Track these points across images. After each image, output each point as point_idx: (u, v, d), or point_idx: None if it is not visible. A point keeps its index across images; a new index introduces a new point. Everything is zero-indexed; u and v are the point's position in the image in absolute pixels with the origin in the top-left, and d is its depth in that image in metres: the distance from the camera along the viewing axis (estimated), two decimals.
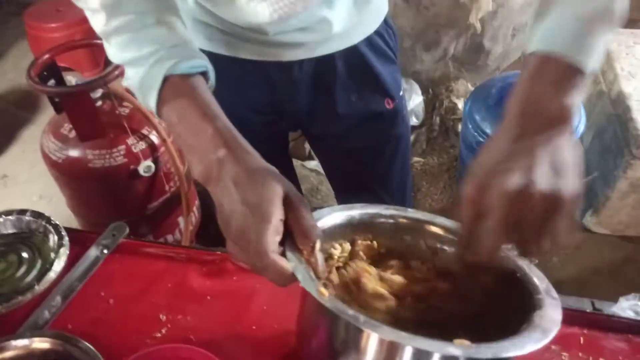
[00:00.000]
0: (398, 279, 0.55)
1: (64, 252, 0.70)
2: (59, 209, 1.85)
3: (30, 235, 0.74)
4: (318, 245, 0.50)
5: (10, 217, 0.75)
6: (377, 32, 0.84)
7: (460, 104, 2.05)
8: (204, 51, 0.60)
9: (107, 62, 1.48)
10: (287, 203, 0.49)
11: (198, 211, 1.75)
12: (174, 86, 0.55)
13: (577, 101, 0.49)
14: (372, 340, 0.45)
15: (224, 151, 0.51)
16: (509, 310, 0.52)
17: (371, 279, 0.54)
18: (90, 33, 2.27)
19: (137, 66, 0.56)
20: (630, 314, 0.84)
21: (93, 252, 0.72)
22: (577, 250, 1.75)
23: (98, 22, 0.58)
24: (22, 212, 0.75)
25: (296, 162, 1.98)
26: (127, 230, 0.74)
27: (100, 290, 0.69)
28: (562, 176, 0.45)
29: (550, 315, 0.47)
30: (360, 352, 0.45)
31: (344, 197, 1.01)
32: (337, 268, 0.56)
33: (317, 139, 0.96)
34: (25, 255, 0.72)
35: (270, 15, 0.68)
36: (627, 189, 1.54)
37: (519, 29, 2.17)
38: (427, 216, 0.61)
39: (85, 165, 1.41)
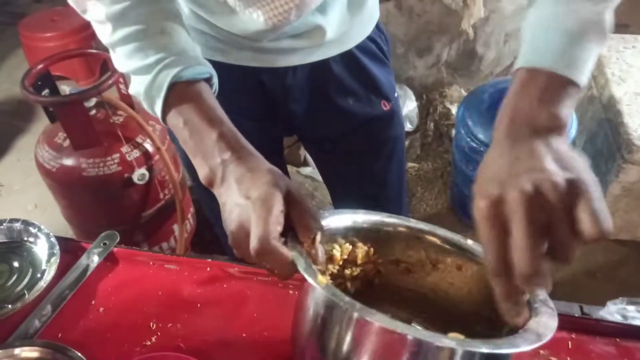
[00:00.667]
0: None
1: (55, 261, 0.70)
2: (54, 218, 1.85)
3: (21, 244, 0.74)
4: (319, 237, 0.51)
5: (1, 227, 0.75)
6: (370, 38, 0.85)
7: (453, 110, 2.07)
8: None
9: (102, 71, 1.50)
10: (289, 198, 0.50)
11: (193, 219, 1.75)
12: (179, 92, 0.56)
13: (569, 111, 0.48)
14: (368, 328, 0.45)
15: (229, 154, 0.53)
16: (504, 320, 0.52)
17: None
18: (85, 42, 2.29)
19: (143, 74, 0.58)
20: (618, 318, 0.85)
21: (84, 261, 0.72)
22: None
23: (104, 33, 0.60)
24: (14, 221, 0.75)
25: (291, 169, 1.98)
26: (118, 238, 0.74)
27: (90, 299, 0.69)
28: (572, 166, 0.43)
29: (546, 322, 0.48)
30: (356, 341, 0.45)
31: (341, 200, 1.02)
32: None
33: (314, 143, 0.97)
34: (16, 264, 0.72)
35: (264, 23, 0.69)
36: (619, 192, 1.55)
37: (511, 34, 2.19)
38: (429, 227, 0.61)
39: (80, 174, 1.42)
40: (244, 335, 0.64)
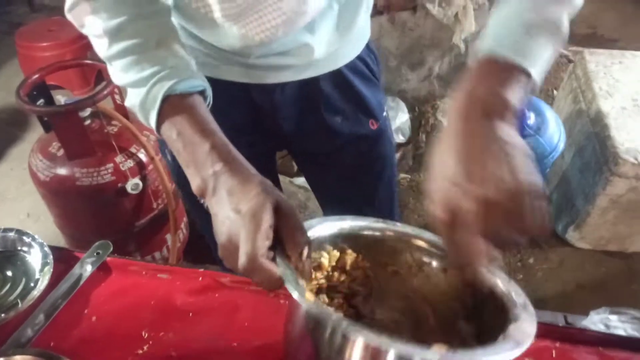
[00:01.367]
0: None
1: (48, 271, 0.71)
2: (47, 227, 1.85)
3: (15, 253, 0.75)
4: (306, 252, 0.52)
5: None
6: (360, 58, 0.86)
7: (445, 122, 2.09)
8: None
9: (97, 81, 1.51)
10: (278, 212, 0.51)
11: (186, 228, 1.76)
12: (173, 105, 0.58)
13: (519, 97, 0.51)
14: (355, 345, 0.46)
15: (220, 165, 0.54)
16: (486, 323, 0.54)
17: None
18: (81, 52, 2.30)
19: (139, 87, 0.59)
20: (601, 328, 0.86)
21: (77, 270, 0.73)
22: (561, 265, 1.77)
23: (101, 47, 0.61)
24: (8, 230, 0.76)
25: (284, 179, 2.00)
26: (111, 248, 0.75)
27: (83, 308, 0.69)
28: (521, 176, 0.47)
29: (525, 328, 0.49)
30: (344, 356, 0.47)
31: (332, 214, 1.03)
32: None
33: (304, 158, 0.98)
34: (9, 273, 0.73)
35: (252, 38, 0.71)
36: (606, 205, 1.58)
37: None
38: (415, 230, 0.63)
39: (73, 184, 1.43)
40: (235, 344, 0.65)
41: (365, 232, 0.63)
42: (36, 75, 1.44)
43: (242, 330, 0.67)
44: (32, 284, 0.70)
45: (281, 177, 1.96)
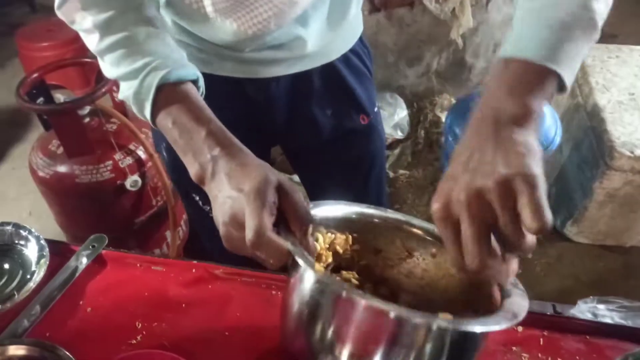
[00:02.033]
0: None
1: (44, 263, 0.72)
2: (48, 225, 1.86)
3: (12, 247, 0.76)
4: (310, 229, 0.53)
5: None
6: (353, 51, 0.87)
7: (444, 118, 2.10)
8: None
9: (98, 80, 1.52)
10: (281, 190, 0.52)
11: (185, 225, 1.77)
12: (167, 94, 0.58)
13: (540, 101, 0.48)
14: (361, 309, 0.47)
15: (218, 150, 0.54)
16: (480, 300, 0.55)
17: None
18: (81, 52, 2.31)
19: (131, 79, 0.59)
20: (588, 316, 0.87)
21: (73, 262, 0.74)
22: (559, 260, 1.78)
23: (92, 42, 0.62)
24: (5, 224, 0.77)
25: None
26: (107, 241, 0.76)
27: (79, 300, 0.71)
28: (516, 162, 0.44)
29: (519, 302, 0.50)
30: (350, 322, 0.48)
31: None
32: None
33: (295, 154, 0.99)
34: (6, 266, 0.74)
35: (244, 32, 0.72)
36: (603, 199, 1.58)
37: (500, 44, 2.23)
38: (406, 217, 0.65)
39: (73, 181, 1.44)
40: (227, 334, 0.66)
41: (357, 217, 0.64)
42: (35, 74, 1.45)
43: (234, 320, 0.68)
44: (28, 276, 0.71)
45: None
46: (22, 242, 0.76)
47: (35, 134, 2.56)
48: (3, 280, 0.72)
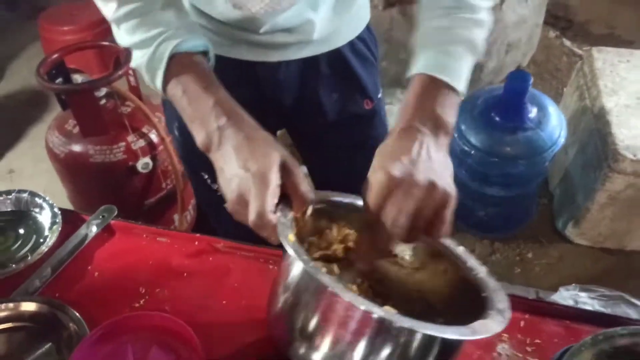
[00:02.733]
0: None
1: (57, 229, 0.77)
2: (61, 204, 1.90)
3: (27, 213, 0.81)
4: (310, 210, 0.56)
5: (9, 197, 0.82)
6: (360, 37, 0.91)
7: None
8: None
9: (116, 65, 1.57)
10: (284, 169, 0.55)
11: (194, 210, 1.81)
12: (178, 63, 0.61)
13: (453, 114, 0.62)
14: (316, 285, 0.50)
15: (225, 119, 0.58)
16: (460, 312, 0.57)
17: None
18: (101, 36, 2.37)
19: (145, 47, 0.63)
20: (570, 303, 0.89)
21: (83, 230, 0.78)
22: (559, 261, 1.79)
23: (109, 10, 0.65)
24: (22, 192, 0.82)
25: None
26: (116, 212, 0.81)
27: (87, 265, 0.75)
28: (434, 169, 0.56)
29: (490, 324, 0.51)
30: (309, 295, 0.52)
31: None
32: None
33: (300, 136, 1.02)
34: (21, 231, 0.79)
35: (257, 10, 0.75)
36: (605, 201, 1.59)
37: (513, 44, 2.24)
38: None
39: (87, 160, 1.49)
40: (224, 302, 0.70)
41: (354, 207, 0.67)
42: (56, 55, 1.50)
43: (231, 290, 0.72)
44: (41, 240, 0.76)
45: None
46: (36, 210, 0.81)
47: (53, 115, 2.62)
48: (18, 244, 0.77)
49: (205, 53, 0.65)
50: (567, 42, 2.81)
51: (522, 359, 0.65)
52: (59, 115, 1.60)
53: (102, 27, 2.66)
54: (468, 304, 0.56)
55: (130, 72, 1.53)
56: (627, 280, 1.70)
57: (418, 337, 0.48)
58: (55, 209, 0.79)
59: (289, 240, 0.51)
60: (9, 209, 0.81)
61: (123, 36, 0.66)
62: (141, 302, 0.70)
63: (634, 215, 1.62)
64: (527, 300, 0.70)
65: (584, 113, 1.73)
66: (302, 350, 0.52)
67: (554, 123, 1.53)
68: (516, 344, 0.66)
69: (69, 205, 1.74)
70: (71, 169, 1.54)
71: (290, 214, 0.55)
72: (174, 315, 0.65)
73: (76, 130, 1.51)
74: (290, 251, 0.50)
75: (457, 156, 1.61)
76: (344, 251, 0.63)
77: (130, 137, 1.52)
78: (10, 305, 0.66)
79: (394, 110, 2.08)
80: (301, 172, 0.57)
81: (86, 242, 0.77)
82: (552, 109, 1.56)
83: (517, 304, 0.70)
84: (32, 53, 3.14)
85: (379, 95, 0.96)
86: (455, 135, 1.61)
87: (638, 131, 1.53)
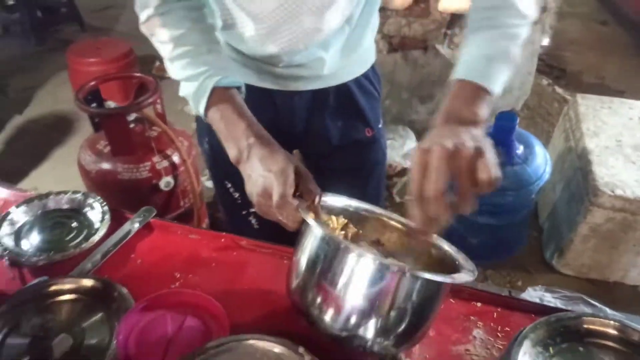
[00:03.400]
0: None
1: (105, 224, 0.91)
2: None
3: (80, 211, 0.96)
4: (317, 199, 0.71)
5: (65, 196, 0.97)
6: (365, 75, 1.07)
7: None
8: None
9: (137, 94, 1.74)
10: (298, 173, 0.71)
11: (208, 228, 1.95)
12: (218, 95, 0.78)
13: (485, 111, 0.72)
14: (343, 251, 0.63)
15: (253, 139, 0.74)
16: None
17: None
18: (123, 68, 2.60)
19: (193, 81, 0.79)
20: (536, 300, 1.01)
21: (127, 226, 0.93)
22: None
23: (166, 50, 0.81)
24: (76, 192, 0.97)
25: None
26: (155, 212, 0.95)
27: (130, 254, 0.89)
28: (480, 141, 0.64)
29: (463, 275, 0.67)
30: (326, 254, 0.64)
31: None
32: None
33: (310, 156, 1.18)
34: (75, 224, 0.93)
35: (279, 50, 0.92)
36: (587, 232, 1.73)
37: (506, 90, 2.42)
38: (395, 215, 0.82)
39: (115, 177, 1.65)
40: (246, 288, 0.84)
41: (360, 212, 0.82)
42: (92, 83, 1.68)
43: (252, 278, 0.85)
44: (92, 232, 0.90)
45: None
46: (88, 208, 0.96)
47: (74, 138, 2.81)
48: (73, 234, 0.91)
49: (238, 88, 0.82)
50: (559, 90, 3.01)
51: (493, 342, 0.77)
52: (92, 136, 1.76)
53: (125, 61, 2.88)
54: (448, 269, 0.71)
55: (158, 100, 1.71)
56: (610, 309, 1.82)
57: (410, 280, 0.61)
58: (105, 207, 0.94)
59: (309, 217, 0.65)
60: (65, 207, 0.96)
61: (176, 71, 0.82)
62: (177, 284, 0.84)
63: (613, 248, 1.75)
64: (500, 296, 0.83)
65: (569, 153, 1.89)
66: (317, 305, 0.64)
67: (539, 160, 1.68)
68: (489, 330, 0.79)
69: None
70: (100, 185, 1.69)
71: (305, 203, 0.70)
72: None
73: (107, 150, 1.67)
74: (311, 222, 0.64)
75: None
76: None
77: (156, 158, 1.68)
78: (71, 280, 0.80)
79: (396, 145, 2.25)
80: (311, 176, 0.73)
81: (130, 235, 0.91)
82: (538, 148, 1.72)
83: (492, 298, 0.83)
84: (56, 82, 3.35)
85: (380, 125, 1.12)
86: None
87: (616, 170, 1.69)
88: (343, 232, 0.78)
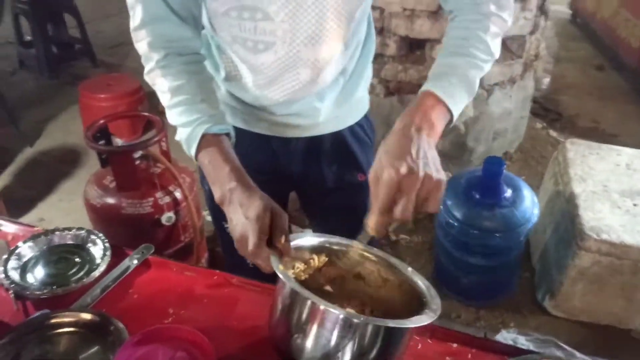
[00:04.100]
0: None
1: (106, 260, 0.97)
2: None
3: (83, 246, 1.02)
4: (283, 238, 0.76)
5: (70, 232, 1.03)
6: (359, 124, 1.14)
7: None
8: None
9: (145, 130, 1.83)
10: (273, 212, 0.77)
11: (207, 262, 2.01)
12: (207, 140, 0.84)
13: (441, 126, 0.79)
14: (302, 301, 0.68)
15: (235, 183, 0.80)
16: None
17: None
18: (133, 105, 2.74)
19: (187, 127, 0.86)
20: (510, 342, 1.05)
21: (126, 262, 0.99)
22: (536, 330, 1.93)
23: (165, 99, 0.89)
24: (80, 229, 1.03)
25: (296, 229, 2.25)
26: (153, 249, 1.01)
27: (128, 289, 0.95)
28: (439, 170, 0.72)
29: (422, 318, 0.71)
30: (296, 311, 0.70)
31: None
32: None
33: (306, 198, 1.24)
34: (78, 259, 0.99)
35: (276, 100, 1.00)
36: (575, 275, 1.76)
37: (500, 133, 2.50)
38: (377, 250, 0.87)
39: (119, 211, 1.71)
40: (235, 323, 0.89)
41: (335, 247, 0.87)
42: (102, 121, 1.77)
43: (241, 315, 0.91)
44: (94, 267, 0.96)
45: (294, 227, 2.22)
46: (90, 244, 1.02)
47: (82, 171, 2.89)
48: (75, 269, 0.97)
49: (228, 134, 0.88)
50: (553, 133, 3.09)
51: None
52: (99, 171, 1.84)
53: (134, 97, 3.00)
54: (415, 307, 0.75)
55: (163, 138, 1.79)
56: (599, 352, 1.83)
57: (370, 328, 0.67)
58: (106, 244, 1.00)
59: (279, 268, 0.71)
60: (69, 242, 1.02)
61: (173, 117, 0.89)
62: (169, 319, 0.89)
63: (601, 291, 1.79)
64: (475, 337, 0.88)
65: (558, 196, 1.94)
66: (296, 342, 0.70)
67: (527, 203, 1.74)
68: None
69: None
70: (104, 218, 1.76)
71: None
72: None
73: (112, 185, 1.75)
74: (280, 274, 0.71)
75: (443, 227, 1.81)
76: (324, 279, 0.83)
77: (159, 194, 1.75)
78: (71, 314, 0.85)
79: None
80: (283, 217, 0.78)
81: (128, 271, 0.97)
82: (527, 191, 1.78)
83: (467, 340, 0.88)
84: (67, 116, 3.47)
85: None
86: (442, 210, 1.82)
87: (602, 214, 1.74)
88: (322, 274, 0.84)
